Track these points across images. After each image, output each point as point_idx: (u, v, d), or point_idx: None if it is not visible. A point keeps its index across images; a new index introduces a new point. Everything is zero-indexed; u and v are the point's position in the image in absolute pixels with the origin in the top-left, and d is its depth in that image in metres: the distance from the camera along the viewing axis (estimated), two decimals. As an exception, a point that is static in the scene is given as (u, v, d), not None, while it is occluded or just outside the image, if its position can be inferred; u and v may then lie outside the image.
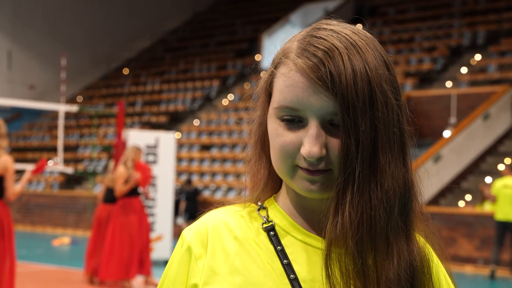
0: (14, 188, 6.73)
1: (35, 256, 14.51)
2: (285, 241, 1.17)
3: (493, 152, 17.75)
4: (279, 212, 1.20)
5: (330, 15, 1.22)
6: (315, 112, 1.10)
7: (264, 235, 1.17)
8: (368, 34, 1.16)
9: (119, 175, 9.66)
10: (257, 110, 1.23)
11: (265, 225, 1.18)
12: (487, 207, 14.83)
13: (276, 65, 1.17)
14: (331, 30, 1.14)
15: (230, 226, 1.18)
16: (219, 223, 1.18)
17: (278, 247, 1.16)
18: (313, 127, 1.10)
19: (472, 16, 23.45)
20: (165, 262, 12.84)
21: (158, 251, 12.65)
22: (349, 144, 1.08)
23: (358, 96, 1.08)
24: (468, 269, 13.69)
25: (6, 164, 6.60)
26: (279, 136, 1.13)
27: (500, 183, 12.98)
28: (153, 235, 12.80)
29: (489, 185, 15.77)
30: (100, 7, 31.06)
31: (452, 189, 16.59)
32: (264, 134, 1.20)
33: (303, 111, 1.10)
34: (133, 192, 9.83)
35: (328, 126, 1.11)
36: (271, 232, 1.17)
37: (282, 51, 1.17)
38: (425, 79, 21.02)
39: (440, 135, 17.37)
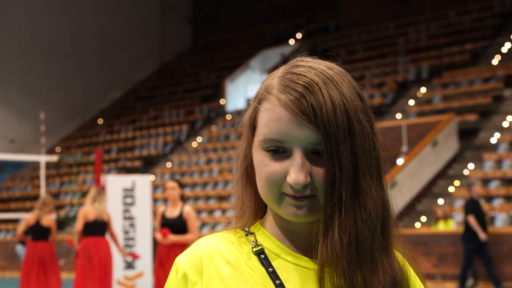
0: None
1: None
2: (275, 263, 1.16)
3: (443, 175, 17.94)
4: (267, 236, 1.20)
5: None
6: (299, 143, 1.10)
7: (255, 259, 1.17)
8: (341, 69, 1.17)
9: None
10: (242, 144, 1.22)
11: (255, 249, 1.18)
12: (441, 227, 14.96)
13: (259, 100, 1.17)
14: (308, 66, 1.14)
15: (222, 252, 1.17)
16: (211, 250, 1.17)
17: (270, 269, 1.15)
18: (297, 157, 1.10)
19: (416, 53, 23.83)
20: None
21: (139, 287, 12.57)
22: (333, 171, 1.09)
23: (339, 126, 1.09)
24: (428, 285, 13.74)
25: (51, 222, 10.10)
26: (266, 166, 1.12)
27: None
28: (133, 272, 12.71)
29: (442, 206, 15.92)
30: (73, 62, 31.00)
31: (408, 212, 16.70)
32: (249, 165, 1.20)
33: (288, 142, 1.11)
34: None
35: (311, 155, 1.11)
36: (262, 255, 1.17)
37: (264, 88, 1.17)
38: (376, 113, 20.88)
39: (394, 163, 17.52)
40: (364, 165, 1.11)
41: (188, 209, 8.16)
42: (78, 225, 9.34)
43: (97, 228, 9.40)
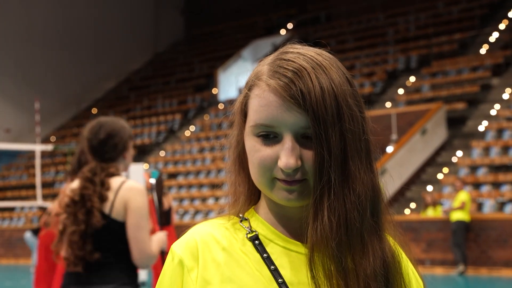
0: None
1: (20, 286, 14.26)
2: (269, 249, 1.16)
3: (432, 163, 17.98)
4: (261, 222, 1.19)
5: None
6: (289, 127, 1.10)
7: (249, 245, 1.16)
8: (330, 55, 1.17)
9: None
10: (233, 130, 1.21)
11: (249, 235, 1.17)
12: (430, 213, 15.00)
13: (249, 87, 1.16)
14: (297, 53, 1.14)
15: (217, 238, 1.16)
16: (207, 236, 1.17)
17: (264, 255, 1.15)
18: (288, 141, 1.10)
19: (405, 42, 23.82)
20: (141, 283, 12.71)
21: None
22: (322, 154, 1.08)
23: (327, 110, 1.09)
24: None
25: None
26: (257, 151, 1.12)
27: (465, 194, 13.69)
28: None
29: (431, 193, 15.98)
30: (68, 53, 30.87)
31: (398, 199, 16.74)
32: (242, 152, 1.19)
33: (278, 127, 1.10)
34: None
35: (301, 139, 1.11)
36: (256, 241, 1.16)
37: (254, 75, 1.17)
38: (366, 102, 20.98)
39: (384, 151, 17.55)
40: (353, 148, 1.11)
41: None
42: None
43: None
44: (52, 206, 10.38)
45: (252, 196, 1.22)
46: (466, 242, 13.74)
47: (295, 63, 1.12)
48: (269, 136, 1.12)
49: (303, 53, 1.14)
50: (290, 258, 1.15)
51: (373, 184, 1.13)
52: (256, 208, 1.22)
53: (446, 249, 14.05)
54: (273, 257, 1.15)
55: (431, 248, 14.34)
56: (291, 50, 1.16)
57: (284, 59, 1.13)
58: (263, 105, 1.12)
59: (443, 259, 14.13)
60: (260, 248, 1.16)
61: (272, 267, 1.13)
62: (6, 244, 22.17)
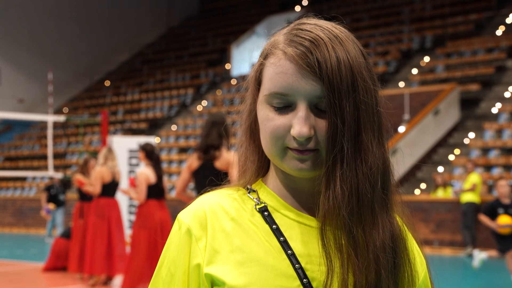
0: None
1: (30, 255, 14.38)
2: (278, 220, 1.15)
3: (444, 144, 17.92)
4: (270, 194, 1.19)
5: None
6: (304, 96, 1.10)
7: (258, 216, 1.16)
8: (345, 29, 1.18)
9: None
10: (246, 100, 1.21)
11: (258, 206, 1.17)
12: (440, 194, 14.98)
13: (265, 56, 1.16)
14: (314, 24, 1.15)
15: (226, 208, 1.16)
16: (215, 206, 1.16)
17: (274, 226, 1.14)
18: (302, 109, 1.10)
19: (420, 22, 23.64)
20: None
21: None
22: (336, 123, 1.09)
23: (342, 80, 1.09)
24: (426, 251, 13.77)
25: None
26: (270, 120, 1.12)
27: (477, 176, 13.62)
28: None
29: (441, 174, 15.93)
30: (82, 25, 30.86)
31: (408, 179, 16.72)
32: (253, 122, 1.19)
33: (292, 95, 1.10)
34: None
35: (314, 109, 1.11)
36: (265, 212, 1.16)
37: (270, 44, 1.17)
38: (380, 81, 20.96)
39: (396, 130, 17.50)
40: (366, 120, 1.11)
41: (137, 172, 8.09)
42: (97, 188, 9.07)
43: (112, 189, 9.23)
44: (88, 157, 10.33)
45: (261, 168, 1.22)
46: (476, 224, 13.72)
47: (312, 33, 1.12)
48: (283, 105, 1.12)
49: (320, 25, 1.15)
50: (300, 230, 1.14)
51: (384, 159, 1.14)
52: (264, 180, 1.22)
53: (455, 230, 14.04)
54: (282, 228, 1.14)
55: (440, 229, 14.33)
56: (308, 21, 1.16)
57: (301, 29, 1.14)
58: (278, 73, 1.12)
59: (451, 240, 14.13)
60: (269, 219, 1.15)
61: (281, 238, 1.13)
62: (17, 213, 22.34)
